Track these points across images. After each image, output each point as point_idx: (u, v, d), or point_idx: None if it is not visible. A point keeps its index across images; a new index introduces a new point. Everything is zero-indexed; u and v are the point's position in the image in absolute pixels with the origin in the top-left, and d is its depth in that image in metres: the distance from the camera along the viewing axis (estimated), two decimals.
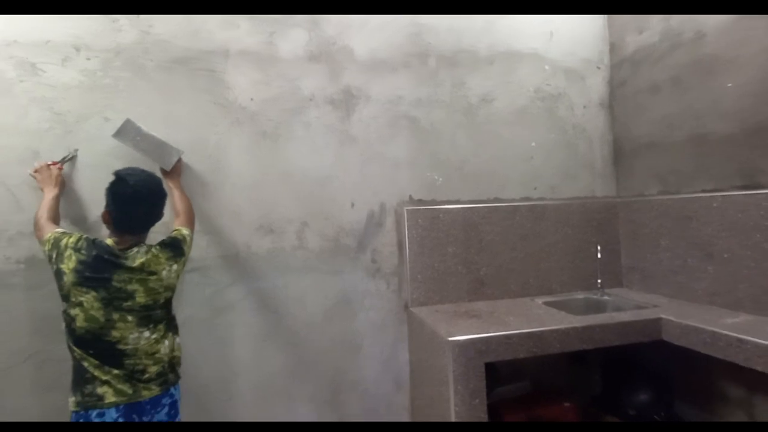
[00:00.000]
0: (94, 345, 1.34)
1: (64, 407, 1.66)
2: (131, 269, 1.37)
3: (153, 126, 1.75)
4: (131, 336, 1.37)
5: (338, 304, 1.99)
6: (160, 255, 1.44)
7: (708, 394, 1.90)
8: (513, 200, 2.22)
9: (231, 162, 1.88)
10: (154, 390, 1.40)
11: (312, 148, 1.98)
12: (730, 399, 1.81)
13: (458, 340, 1.57)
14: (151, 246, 1.45)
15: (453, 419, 1.55)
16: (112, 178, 1.41)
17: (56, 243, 1.38)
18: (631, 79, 2.24)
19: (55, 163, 1.65)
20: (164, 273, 1.43)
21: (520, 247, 2.20)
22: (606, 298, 2.15)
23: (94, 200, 1.69)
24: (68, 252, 1.35)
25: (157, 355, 1.42)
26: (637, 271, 2.24)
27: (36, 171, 1.61)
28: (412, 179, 2.10)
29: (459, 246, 2.12)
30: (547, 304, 2.05)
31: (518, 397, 2.03)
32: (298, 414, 1.93)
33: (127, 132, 1.67)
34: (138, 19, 1.78)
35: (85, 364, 1.34)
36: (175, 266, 1.47)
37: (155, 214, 1.47)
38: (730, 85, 1.77)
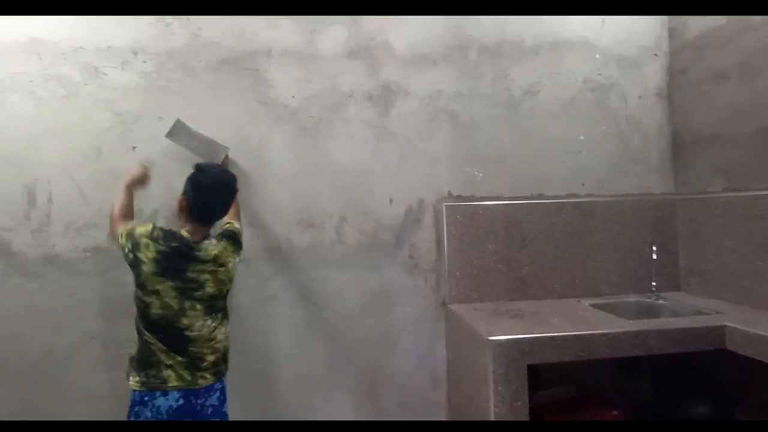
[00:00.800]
0: (165, 330, 1.44)
1: (122, 385, 1.81)
2: (204, 261, 1.46)
3: (202, 124, 1.84)
4: (197, 324, 1.46)
5: (375, 299, 2.00)
6: (228, 247, 1.52)
7: None
8: (558, 197, 2.13)
9: (273, 158, 1.94)
10: (209, 379, 1.50)
11: (351, 144, 2.00)
12: None
13: (499, 340, 1.53)
14: (220, 239, 1.53)
15: (492, 420, 1.52)
16: (178, 169, 1.62)
17: (130, 234, 1.45)
18: (694, 66, 2.07)
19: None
20: (230, 265, 1.53)
21: (566, 246, 2.11)
22: (661, 302, 2.01)
23: (149, 194, 1.81)
24: (144, 241, 1.42)
25: (213, 343, 1.51)
26: (696, 274, 2.07)
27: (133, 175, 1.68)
28: (450, 175, 2.07)
29: (500, 243, 2.06)
30: (594, 306, 1.95)
31: (562, 401, 1.96)
32: (336, 405, 1.97)
33: (177, 132, 1.77)
34: (188, 22, 1.88)
35: (153, 348, 1.45)
36: (237, 259, 1.57)
37: (226, 207, 1.56)
38: None
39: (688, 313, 1.85)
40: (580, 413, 1.88)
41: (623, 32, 2.17)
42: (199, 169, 1.51)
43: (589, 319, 1.74)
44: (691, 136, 2.10)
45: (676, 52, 2.17)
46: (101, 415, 1.79)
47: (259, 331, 1.92)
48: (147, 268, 1.41)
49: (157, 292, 1.42)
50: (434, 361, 2.03)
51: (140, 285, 1.44)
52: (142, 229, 1.45)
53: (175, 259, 1.42)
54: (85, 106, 1.82)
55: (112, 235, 1.58)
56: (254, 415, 1.87)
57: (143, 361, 1.46)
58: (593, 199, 2.14)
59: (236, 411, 1.74)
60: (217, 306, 1.53)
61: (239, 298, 1.90)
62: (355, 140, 2.00)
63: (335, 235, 1.98)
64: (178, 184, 1.71)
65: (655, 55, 2.20)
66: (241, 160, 1.91)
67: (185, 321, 1.44)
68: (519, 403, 1.53)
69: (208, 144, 1.80)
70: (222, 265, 1.50)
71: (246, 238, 1.90)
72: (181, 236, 1.46)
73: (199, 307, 1.46)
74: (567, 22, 2.13)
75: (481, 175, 2.09)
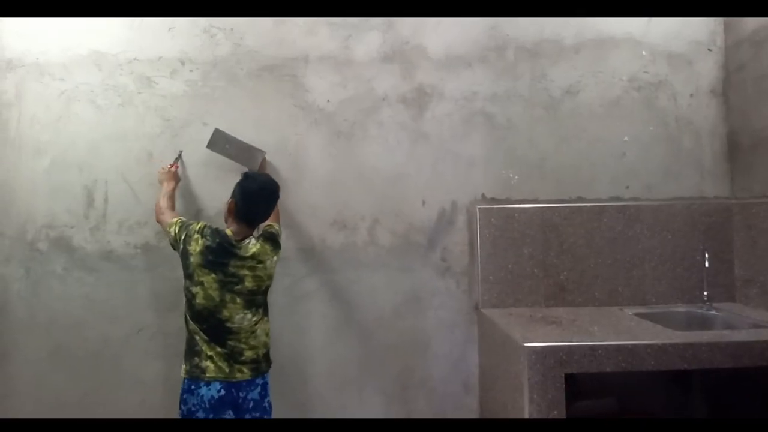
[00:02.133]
0: (207, 321, 1.54)
1: (168, 374, 1.94)
2: (244, 258, 1.55)
3: (243, 129, 1.93)
4: (237, 316, 1.55)
5: (407, 301, 2.01)
6: (266, 247, 1.60)
7: None
8: (600, 200, 2.04)
9: (309, 160, 2.00)
10: (246, 374, 1.55)
11: (384, 147, 2.02)
12: None
13: (535, 347, 1.48)
14: (260, 239, 1.62)
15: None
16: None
17: (185, 226, 1.60)
18: (752, 62, 1.91)
19: (173, 165, 1.90)
20: (268, 263, 1.61)
21: (608, 252, 2.01)
22: (713, 313, 1.88)
23: (196, 193, 1.94)
24: (196, 236, 1.56)
25: (253, 338, 1.59)
26: (755, 285, 1.91)
27: (159, 171, 1.88)
28: (485, 177, 2.04)
29: (536, 248, 2.00)
30: (639, 315, 1.85)
31: (602, 414, 1.87)
32: (368, 404, 1.99)
33: (216, 141, 1.86)
34: (232, 32, 1.98)
35: (197, 338, 1.55)
36: (275, 258, 1.64)
37: (269, 212, 1.65)
38: None
39: (744, 325, 1.72)
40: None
41: (673, 27, 2.05)
42: (246, 176, 1.62)
43: (633, 329, 1.65)
44: (750, 138, 1.94)
45: (733, 47, 2.02)
46: (153, 401, 1.92)
47: (294, 328, 1.98)
48: (194, 259, 1.53)
49: (201, 284, 1.53)
50: (466, 366, 2.00)
51: (188, 276, 1.56)
52: (195, 226, 1.59)
53: (219, 254, 1.53)
54: (139, 113, 1.96)
55: (160, 222, 1.72)
56: (289, 409, 1.91)
57: (189, 351, 1.58)
58: (639, 203, 2.04)
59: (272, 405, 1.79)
60: (257, 301, 1.61)
61: (275, 296, 1.95)
62: (388, 143, 2.02)
63: (368, 237, 2.01)
64: (217, 187, 1.82)
65: (709, 50, 2.06)
66: (278, 162, 1.99)
67: (226, 312, 1.53)
68: (555, 412, 1.47)
69: (246, 150, 1.88)
70: (260, 262, 1.58)
71: (282, 238, 1.97)
72: (225, 234, 1.57)
73: (239, 300, 1.55)
74: (610, 19, 2.04)
75: (516, 177, 2.05)
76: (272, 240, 1.65)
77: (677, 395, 1.96)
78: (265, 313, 1.67)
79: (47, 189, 1.95)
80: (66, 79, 1.96)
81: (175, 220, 1.65)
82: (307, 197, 2.00)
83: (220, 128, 1.87)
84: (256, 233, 1.65)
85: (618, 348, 1.49)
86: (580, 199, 2.04)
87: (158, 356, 1.92)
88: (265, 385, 1.64)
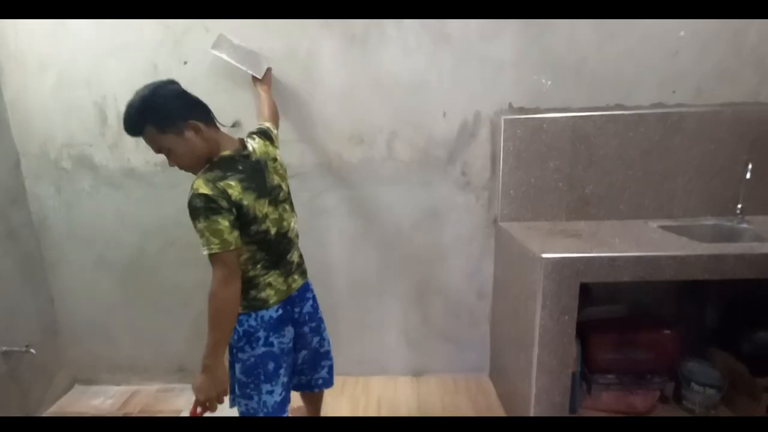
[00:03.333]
0: (279, 245, 1.34)
1: (204, 280, 2.08)
2: (266, 164, 1.32)
3: (250, 34, 1.78)
4: (292, 223, 1.42)
5: (426, 215, 2.01)
6: (265, 142, 1.38)
7: None
8: (640, 107, 1.86)
9: (322, 69, 1.86)
10: (298, 281, 1.45)
11: (403, 50, 1.83)
12: None
13: (552, 258, 1.48)
14: (254, 137, 1.37)
15: (537, 332, 1.55)
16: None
17: (217, 197, 1.15)
18: None
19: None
20: (279, 157, 1.41)
21: (640, 165, 1.90)
22: (744, 225, 1.81)
23: None
24: (220, 186, 1.15)
25: (297, 238, 1.47)
26: None
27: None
28: (514, 84, 1.86)
29: (564, 160, 1.90)
30: (663, 228, 1.81)
31: (611, 319, 1.95)
32: (388, 307, 2.13)
33: (221, 44, 1.75)
34: None
35: (260, 280, 1.32)
36: (278, 150, 1.43)
37: (192, 100, 1.23)
38: None
39: None
40: (628, 332, 1.88)
41: None
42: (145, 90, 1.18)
43: (656, 241, 1.62)
44: None
45: None
46: (188, 304, 2.11)
47: (316, 240, 2.04)
48: (247, 200, 1.20)
49: (265, 216, 1.28)
50: (481, 276, 2.08)
51: (252, 220, 1.23)
52: (206, 190, 1.14)
53: (253, 178, 1.25)
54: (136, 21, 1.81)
55: (226, 280, 1.20)
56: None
57: (246, 290, 1.31)
58: (684, 109, 1.85)
59: None
60: (291, 200, 1.45)
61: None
62: (407, 46, 1.83)
63: (386, 151, 1.94)
64: (226, 100, 1.72)
65: None
66: (288, 71, 1.85)
67: (285, 225, 1.37)
68: (567, 317, 1.53)
69: (251, 56, 1.77)
70: (274, 159, 1.38)
71: (297, 153, 1.94)
72: (231, 158, 1.24)
73: (287, 207, 1.40)
74: None
75: (549, 83, 1.86)
76: (262, 134, 1.41)
77: (692, 305, 2.01)
78: (293, 210, 1.48)
79: (59, 106, 1.92)
80: None
81: (225, 236, 1.16)
82: (321, 110, 1.90)
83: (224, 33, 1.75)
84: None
85: (638, 259, 1.47)
86: (618, 107, 1.87)
87: (192, 265, 2.05)
88: (314, 298, 1.55)
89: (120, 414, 2.01)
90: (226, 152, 1.24)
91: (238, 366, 1.35)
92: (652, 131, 1.86)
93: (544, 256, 1.49)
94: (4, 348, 1.86)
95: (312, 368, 1.56)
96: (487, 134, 1.92)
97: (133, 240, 2.06)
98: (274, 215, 1.31)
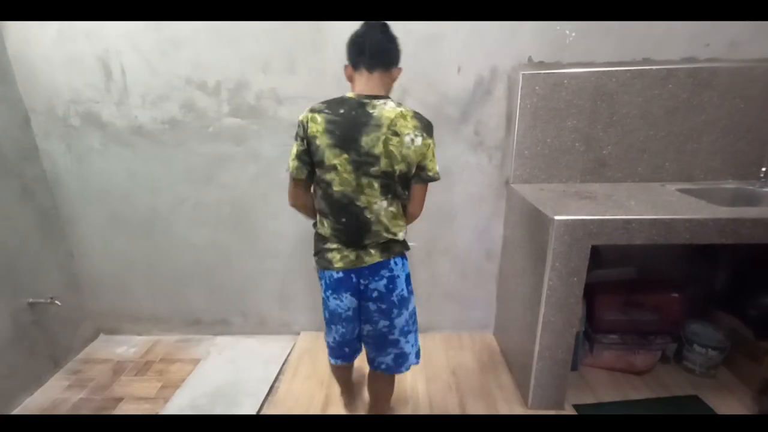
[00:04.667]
0: (346, 210, 1.28)
1: (215, 238, 2.13)
2: (378, 126, 1.20)
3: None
4: (375, 204, 1.27)
5: None
6: (408, 117, 1.23)
7: None
8: (670, 62, 1.75)
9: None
10: (375, 256, 1.32)
11: None
12: None
13: (564, 220, 1.47)
14: (401, 105, 1.26)
15: (545, 292, 1.57)
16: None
17: (299, 126, 1.27)
18: None
19: None
20: (407, 139, 1.22)
21: (664, 124, 1.81)
22: (766, 189, 1.75)
23: (208, 65, 1.79)
24: (310, 115, 1.24)
25: (377, 219, 1.30)
26: None
27: None
28: (536, 35, 1.75)
29: (583, 119, 1.82)
30: (681, 191, 1.76)
31: (619, 281, 1.96)
32: None
33: None
34: None
35: (329, 232, 1.33)
36: (419, 140, 1.23)
37: (389, 46, 1.25)
38: None
39: None
40: (634, 294, 1.89)
41: None
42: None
43: (672, 204, 1.58)
44: None
45: None
46: (202, 261, 2.16)
47: None
48: (321, 141, 1.22)
49: (335, 168, 1.24)
50: (490, 237, 2.07)
51: (319, 162, 1.25)
52: (302, 116, 1.26)
53: (347, 127, 1.21)
54: None
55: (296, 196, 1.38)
56: None
57: (317, 244, 1.39)
58: (716, 64, 1.74)
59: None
60: (392, 188, 1.27)
61: None
62: None
63: None
64: (230, 53, 1.66)
65: None
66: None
67: (363, 198, 1.26)
68: (575, 279, 1.54)
69: None
70: (396, 134, 1.21)
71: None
72: (347, 98, 1.24)
73: (376, 184, 1.25)
74: None
75: (574, 35, 1.74)
76: (422, 120, 1.26)
77: (699, 268, 2.00)
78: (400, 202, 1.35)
79: (62, 60, 1.87)
80: None
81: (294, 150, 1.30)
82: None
83: None
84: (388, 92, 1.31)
85: (653, 222, 1.45)
86: (645, 61, 1.76)
87: (204, 224, 2.09)
88: (394, 280, 1.36)
89: (143, 361, 2.14)
90: (349, 94, 1.27)
91: None
92: (681, 88, 1.76)
93: (557, 218, 1.47)
94: (30, 299, 1.95)
95: (376, 349, 1.45)
96: (503, 91, 1.83)
97: (145, 198, 2.07)
98: (346, 175, 1.24)
